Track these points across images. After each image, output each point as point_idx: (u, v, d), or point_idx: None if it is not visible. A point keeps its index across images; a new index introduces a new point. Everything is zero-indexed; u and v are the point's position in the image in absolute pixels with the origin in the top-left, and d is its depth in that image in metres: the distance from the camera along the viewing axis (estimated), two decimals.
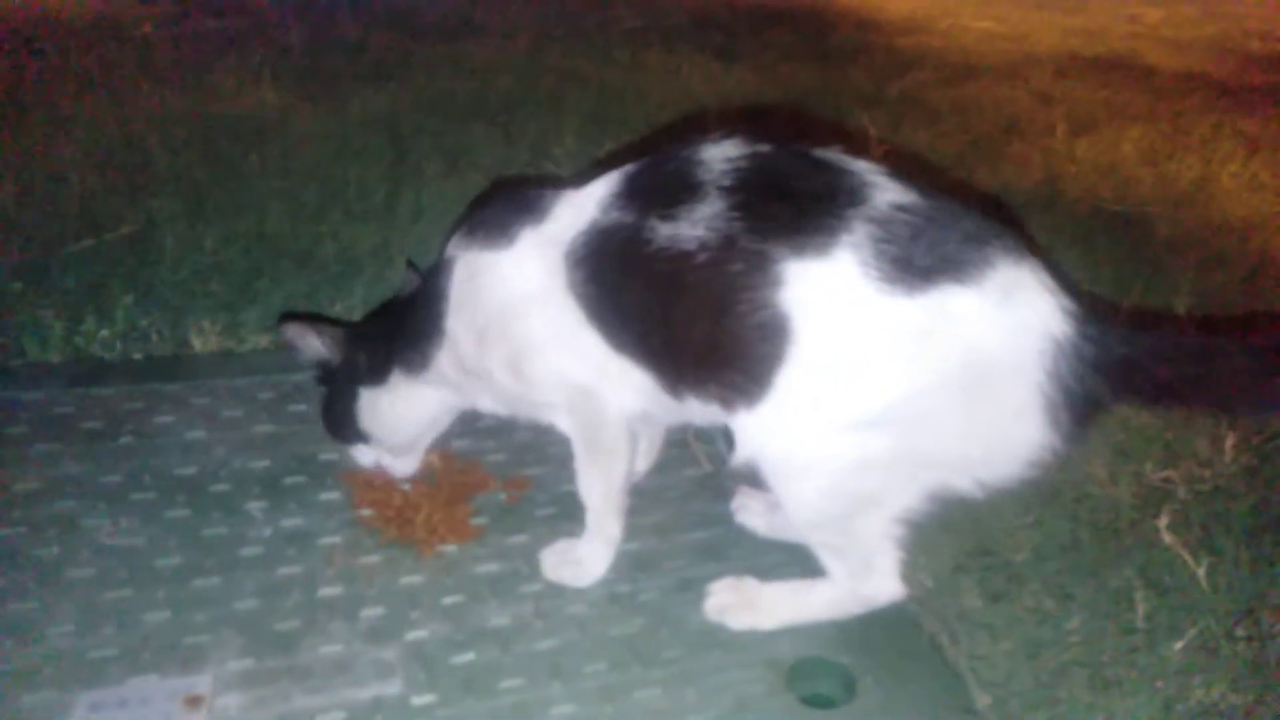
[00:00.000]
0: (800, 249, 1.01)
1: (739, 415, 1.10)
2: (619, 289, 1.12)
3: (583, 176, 1.18)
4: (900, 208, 1.01)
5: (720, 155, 1.08)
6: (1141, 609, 1.29)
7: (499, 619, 1.21)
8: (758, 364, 1.05)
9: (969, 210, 1.04)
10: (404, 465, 1.42)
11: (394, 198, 2.24)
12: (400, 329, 1.34)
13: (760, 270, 1.02)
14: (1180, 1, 5.64)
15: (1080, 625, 1.27)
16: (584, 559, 1.28)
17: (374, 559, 1.29)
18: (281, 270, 1.91)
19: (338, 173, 2.33)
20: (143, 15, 3.52)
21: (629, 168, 1.15)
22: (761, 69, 3.53)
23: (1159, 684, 1.19)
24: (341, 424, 1.39)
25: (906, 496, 1.12)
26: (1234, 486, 1.54)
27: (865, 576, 1.19)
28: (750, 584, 1.25)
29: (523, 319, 1.19)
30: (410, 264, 1.44)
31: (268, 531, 1.31)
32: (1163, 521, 1.43)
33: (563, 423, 1.31)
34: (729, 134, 1.10)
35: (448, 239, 1.29)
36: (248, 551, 1.28)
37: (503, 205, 1.23)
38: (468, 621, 1.20)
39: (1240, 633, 1.27)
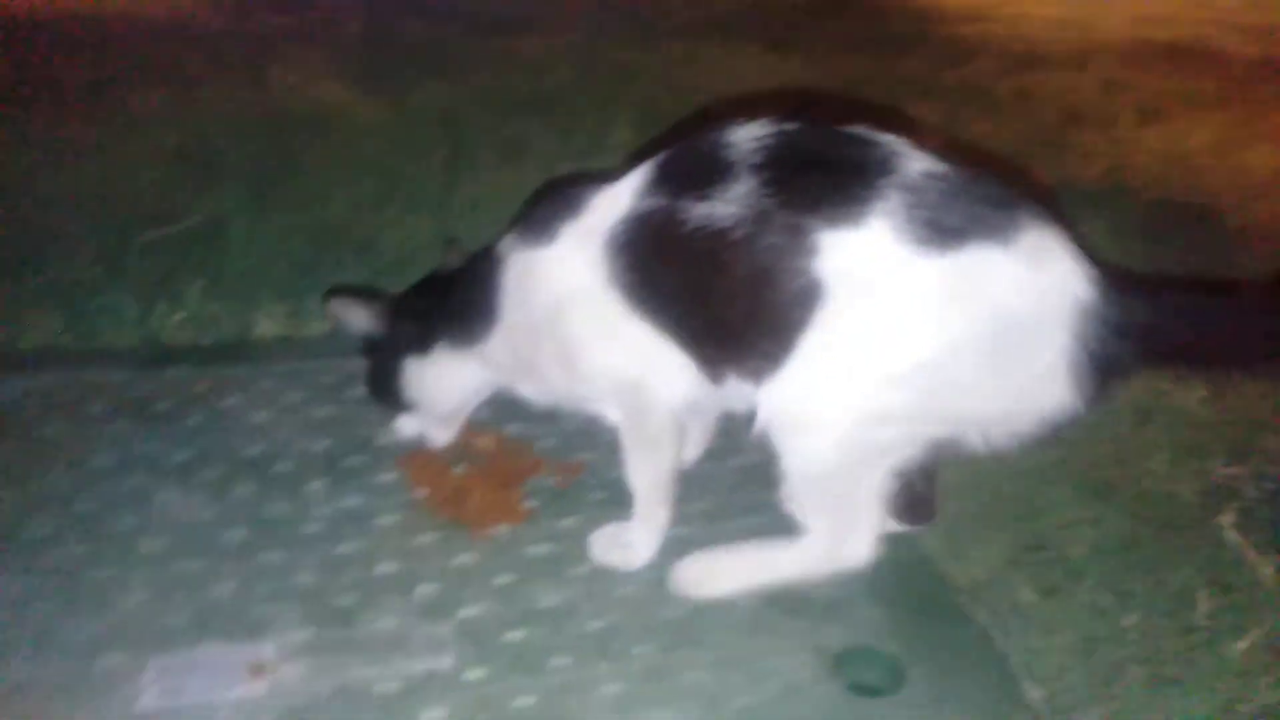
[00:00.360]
0: (834, 219, 1.03)
1: (772, 382, 1.11)
2: (658, 273, 1.14)
3: (624, 169, 1.20)
4: (930, 175, 1.03)
5: (748, 136, 1.09)
6: (1203, 607, 1.26)
7: (549, 599, 1.23)
8: (795, 331, 1.06)
9: (995, 179, 1.05)
10: (443, 434, 1.47)
11: (450, 189, 2.28)
12: (448, 304, 1.37)
13: (797, 241, 1.04)
14: None
15: (1138, 622, 1.24)
16: (633, 543, 1.30)
17: (428, 539, 1.32)
18: (342, 259, 1.96)
19: (396, 165, 2.38)
20: (209, 15, 3.63)
21: (660, 156, 1.17)
22: (816, 60, 3.50)
23: (1219, 684, 1.16)
24: (386, 393, 1.43)
25: (912, 449, 1.13)
26: None
27: (847, 535, 1.19)
28: (714, 554, 1.27)
29: (568, 315, 1.22)
30: (452, 240, 1.46)
31: (328, 510, 1.36)
32: (1227, 519, 1.39)
33: (611, 413, 1.32)
34: (754, 117, 1.11)
35: (502, 235, 1.31)
36: (309, 529, 1.32)
37: (545, 204, 1.26)
38: (518, 601, 1.23)
39: None
